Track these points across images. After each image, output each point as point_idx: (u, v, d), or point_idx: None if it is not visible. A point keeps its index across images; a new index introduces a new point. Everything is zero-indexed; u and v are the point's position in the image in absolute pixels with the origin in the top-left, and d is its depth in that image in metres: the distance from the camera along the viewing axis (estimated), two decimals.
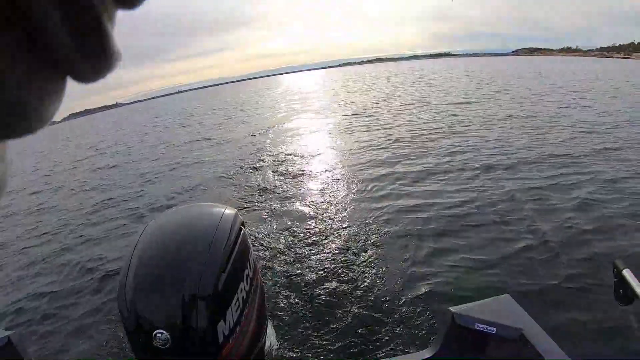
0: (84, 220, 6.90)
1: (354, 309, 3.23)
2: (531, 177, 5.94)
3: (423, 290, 3.40)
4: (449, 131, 10.05)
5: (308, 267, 3.94)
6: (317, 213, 5.40)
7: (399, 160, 7.68)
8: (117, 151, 15.86)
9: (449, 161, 7.23)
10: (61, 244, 5.92)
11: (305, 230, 4.85)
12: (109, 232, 6.04)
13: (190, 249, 0.88)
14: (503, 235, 4.26)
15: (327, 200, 5.90)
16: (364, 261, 3.95)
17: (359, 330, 2.96)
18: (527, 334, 1.02)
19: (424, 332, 2.88)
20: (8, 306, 4.24)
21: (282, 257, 4.21)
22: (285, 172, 7.83)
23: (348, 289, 3.51)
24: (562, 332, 2.68)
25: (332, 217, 5.20)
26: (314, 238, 4.61)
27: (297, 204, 5.86)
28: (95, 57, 0.17)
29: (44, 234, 6.58)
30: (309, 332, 3.00)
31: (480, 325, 1.07)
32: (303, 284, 3.66)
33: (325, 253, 4.21)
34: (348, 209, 5.41)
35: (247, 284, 0.98)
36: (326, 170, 7.68)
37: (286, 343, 2.89)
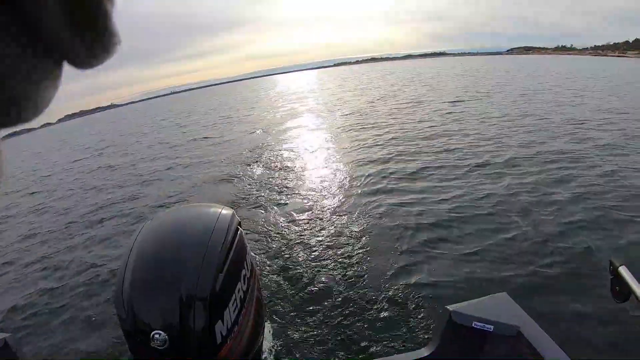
0: (81, 222, 6.86)
1: (352, 308, 3.23)
2: (526, 174, 5.96)
3: (420, 288, 3.41)
4: (442, 129, 10.08)
5: (305, 267, 3.94)
6: (313, 213, 5.39)
7: (393, 158, 7.70)
8: (113, 152, 15.78)
9: (442, 159, 7.26)
10: (58, 245, 5.89)
11: (302, 230, 4.85)
12: (106, 233, 6.01)
13: (188, 250, 0.88)
14: (499, 232, 4.28)
15: (324, 200, 5.90)
16: (361, 261, 3.96)
17: (357, 329, 2.96)
18: (524, 331, 1.02)
19: (421, 330, 2.88)
20: (4, 308, 4.21)
21: (279, 257, 4.20)
22: (281, 171, 7.82)
23: (345, 288, 3.51)
24: (559, 329, 2.69)
25: (329, 217, 5.20)
26: (311, 238, 4.61)
27: (294, 203, 5.85)
28: (94, 40, 0.16)
29: (40, 235, 6.53)
30: (306, 331, 3.00)
31: (477, 323, 1.08)
32: (300, 283, 3.65)
33: (322, 253, 4.21)
34: (344, 208, 5.41)
35: (244, 284, 0.97)
36: (322, 170, 7.68)
37: (284, 343, 2.88)
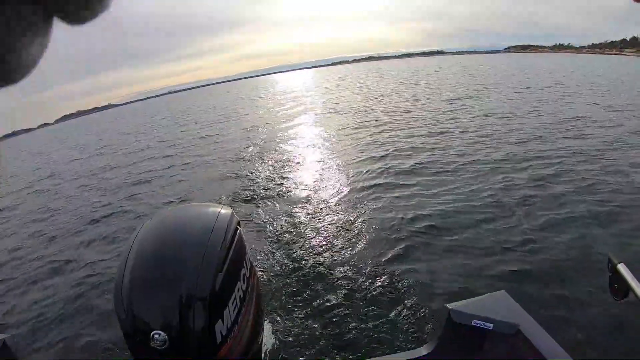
0: (79, 222, 6.85)
1: (351, 307, 3.23)
2: (525, 171, 5.98)
3: (420, 288, 3.41)
4: (440, 127, 10.08)
5: (304, 266, 3.94)
6: (312, 213, 5.39)
7: (393, 158, 7.69)
8: (112, 151, 15.74)
9: (440, 156, 7.26)
10: (56, 245, 5.88)
11: (301, 230, 4.85)
12: (104, 233, 6.00)
13: (187, 249, 0.87)
14: (497, 230, 4.29)
15: (323, 200, 5.90)
16: (360, 260, 3.96)
17: (357, 329, 2.97)
18: (523, 329, 1.02)
19: (421, 329, 2.89)
20: (3, 308, 4.20)
21: (279, 257, 4.20)
22: (280, 171, 7.82)
23: (345, 287, 3.51)
24: (557, 326, 2.70)
25: (328, 216, 5.20)
26: (310, 238, 4.61)
27: (293, 203, 5.85)
28: None
29: (39, 235, 6.52)
30: (306, 330, 3.01)
31: (477, 321, 1.08)
32: (299, 283, 3.65)
33: (321, 252, 4.21)
34: (343, 208, 5.42)
35: (244, 283, 0.97)
36: (321, 169, 7.68)
37: (284, 342, 2.89)
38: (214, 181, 7.89)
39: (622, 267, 0.92)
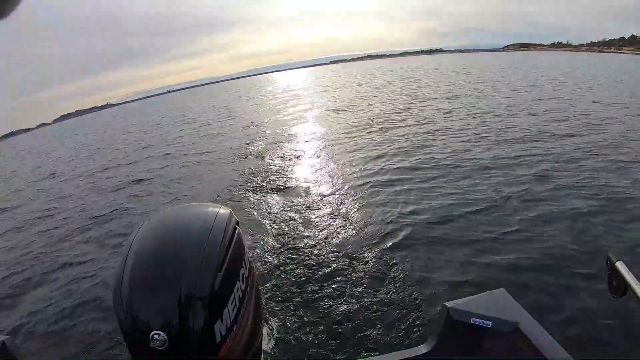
0: (78, 222, 6.84)
1: (350, 306, 3.24)
2: (522, 167, 5.99)
3: (419, 286, 3.42)
4: (440, 125, 10.10)
5: (303, 266, 3.94)
6: (311, 211, 5.40)
7: (390, 155, 7.71)
8: (111, 151, 15.72)
9: (437, 153, 7.27)
10: (56, 245, 5.87)
11: (300, 229, 4.85)
12: (103, 233, 6.00)
13: (186, 249, 0.87)
14: (495, 228, 4.30)
15: (322, 199, 5.91)
16: (359, 259, 3.97)
17: (356, 327, 2.97)
18: (523, 327, 1.03)
19: (419, 327, 2.89)
20: (3, 309, 4.20)
21: (277, 256, 4.20)
22: (278, 170, 7.81)
23: (343, 286, 3.52)
24: (556, 324, 2.71)
25: (327, 215, 5.21)
26: (309, 237, 4.61)
27: (292, 202, 5.85)
28: None
29: (37, 236, 6.51)
30: (304, 329, 3.01)
31: (476, 319, 1.08)
32: (298, 282, 3.66)
33: (320, 252, 4.21)
34: (341, 207, 5.42)
35: (243, 283, 0.97)
36: (320, 169, 7.68)
37: (283, 341, 2.89)
38: (214, 180, 7.89)
39: (620, 265, 0.92)
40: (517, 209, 4.73)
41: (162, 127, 22.16)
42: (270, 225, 5.03)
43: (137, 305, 0.77)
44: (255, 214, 5.50)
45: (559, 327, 2.68)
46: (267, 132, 13.03)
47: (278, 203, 5.87)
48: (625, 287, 0.90)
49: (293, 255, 4.19)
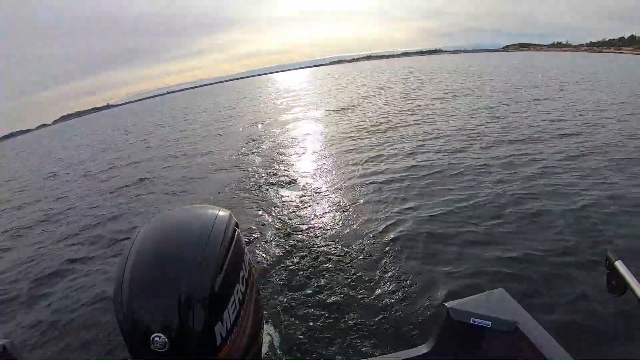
0: (78, 224, 6.84)
1: (349, 306, 3.24)
2: (521, 167, 6.00)
3: (418, 286, 3.42)
4: (441, 126, 10.10)
5: (303, 267, 3.94)
6: (310, 213, 5.40)
7: (391, 154, 7.72)
8: (112, 151, 15.73)
9: (438, 153, 7.27)
10: (55, 247, 5.87)
11: (299, 230, 4.85)
12: (103, 235, 6.00)
13: (186, 251, 0.87)
14: (494, 227, 4.30)
15: (322, 200, 5.91)
16: (358, 259, 3.97)
17: (356, 328, 2.97)
18: (522, 327, 1.03)
19: (419, 328, 2.89)
20: (3, 313, 4.19)
21: (277, 257, 4.20)
22: (279, 171, 7.82)
23: (344, 287, 3.52)
24: (555, 323, 2.71)
25: (326, 216, 5.21)
26: (308, 239, 4.61)
27: (291, 203, 5.85)
28: None
29: (36, 235, 6.51)
30: (305, 330, 3.01)
31: (475, 319, 1.08)
32: (298, 283, 3.66)
33: (319, 253, 4.21)
34: (341, 208, 5.42)
35: (242, 285, 0.97)
36: (321, 168, 7.69)
37: (283, 342, 2.89)
38: (214, 181, 7.89)
39: (619, 265, 0.93)
40: (517, 208, 4.72)
41: (163, 128, 22.17)
42: (270, 227, 5.03)
43: (137, 307, 0.78)
44: (255, 215, 5.50)
45: (559, 326, 2.68)
46: (268, 133, 13.03)
47: (278, 204, 5.87)
48: (625, 286, 0.90)
49: (293, 256, 4.19)
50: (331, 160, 8.24)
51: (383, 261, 3.87)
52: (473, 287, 3.25)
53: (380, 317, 3.07)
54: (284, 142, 11.05)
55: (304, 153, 9.33)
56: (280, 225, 5.05)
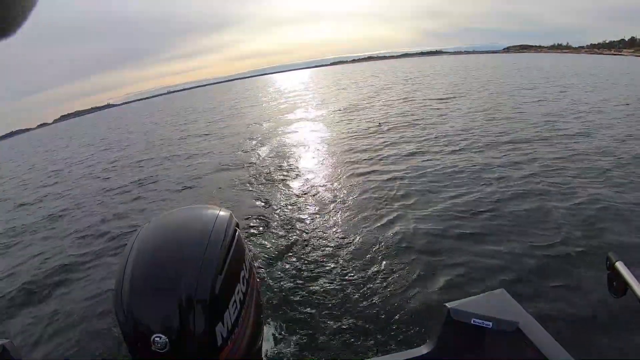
0: (77, 223, 6.84)
1: (350, 307, 3.23)
2: (522, 166, 6.00)
3: (418, 286, 3.42)
4: (438, 126, 10.11)
5: (303, 267, 3.94)
6: (311, 213, 5.40)
7: (392, 154, 7.71)
8: (117, 151, 15.73)
9: (439, 153, 7.28)
10: (54, 247, 5.86)
11: (299, 230, 4.85)
12: (104, 235, 5.99)
13: (186, 252, 0.87)
14: (494, 227, 4.30)
15: (323, 199, 5.91)
16: (358, 260, 3.96)
17: (356, 328, 2.97)
18: (523, 327, 1.03)
19: (420, 328, 2.89)
20: (3, 313, 4.19)
21: (278, 258, 4.20)
22: (279, 171, 7.81)
23: (343, 288, 3.51)
24: (556, 324, 2.71)
25: (327, 215, 5.21)
26: (309, 238, 4.61)
27: (292, 204, 5.85)
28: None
29: (35, 235, 6.51)
30: (305, 331, 3.01)
31: (476, 320, 1.08)
32: (298, 283, 3.65)
33: (319, 253, 4.21)
34: (342, 208, 5.42)
35: (243, 285, 0.97)
36: (319, 166, 7.71)
37: (284, 342, 2.89)
38: (215, 182, 7.89)
39: (620, 265, 0.93)
40: (518, 208, 4.73)
41: (164, 128, 22.17)
42: (271, 227, 5.03)
43: (137, 307, 0.77)
44: (256, 215, 5.49)
45: (560, 327, 2.68)
46: (269, 132, 13.05)
47: (279, 205, 5.87)
48: (625, 287, 0.90)
49: (294, 257, 4.19)
50: (332, 159, 8.26)
51: (384, 261, 3.87)
52: (474, 287, 3.25)
53: (381, 317, 3.07)
54: (284, 141, 11.07)
55: (304, 153, 9.34)
56: (281, 225, 5.05)
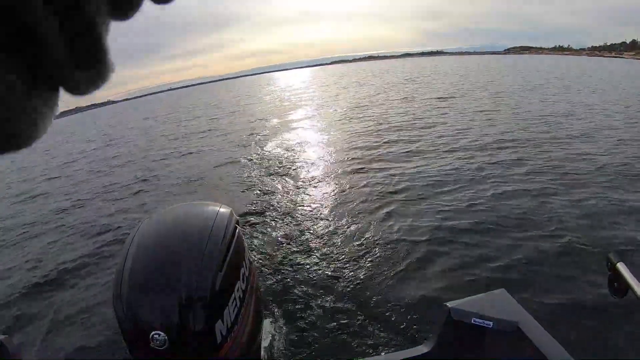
0: (76, 219, 6.82)
1: (350, 305, 3.23)
2: (522, 167, 6.01)
3: (418, 286, 3.41)
4: (439, 127, 10.10)
5: (303, 264, 3.94)
6: (311, 209, 5.39)
7: (393, 155, 7.70)
8: (118, 147, 15.71)
9: (441, 154, 7.27)
10: (53, 243, 5.85)
11: (299, 227, 4.84)
12: (103, 230, 5.97)
13: (186, 248, 0.87)
14: (494, 227, 4.30)
15: (324, 197, 5.90)
16: (359, 259, 3.96)
17: (356, 327, 2.97)
18: (523, 327, 1.03)
19: (421, 327, 2.89)
20: (1, 309, 4.18)
21: (278, 255, 4.19)
22: (280, 168, 7.80)
23: (344, 285, 3.51)
24: (556, 324, 2.71)
25: (327, 214, 5.20)
26: (310, 236, 4.60)
27: (291, 200, 5.84)
28: (91, 68, 0.16)
29: (34, 234, 6.50)
30: (305, 329, 3.00)
31: (476, 319, 1.08)
32: (298, 281, 3.65)
33: (320, 251, 4.20)
34: (341, 204, 5.41)
35: (243, 282, 0.97)
36: (320, 164, 7.69)
37: (283, 340, 2.88)
38: (216, 177, 7.88)
39: (621, 266, 0.93)
40: (518, 208, 4.73)
41: (166, 124, 22.13)
42: (272, 224, 5.01)
43: (136, 305, 0.77)
44: (257, 212, 5.48)
45: (559, 327, 2.67)
46: (271, 131, 13.03)
47: (280, 202, 5.86)
48: (627, 288, 0.91)
49: (295, 254, 4.19)
50: (333, 157, 8.24)
51: (384, 261, 3.87)
52: (474, 287, 3.25)
53: (381, 316, 3.06)
54: (286, 138, 11.06)
55: (306, 150, 9.33)
56: (282, 223, 5.04)
